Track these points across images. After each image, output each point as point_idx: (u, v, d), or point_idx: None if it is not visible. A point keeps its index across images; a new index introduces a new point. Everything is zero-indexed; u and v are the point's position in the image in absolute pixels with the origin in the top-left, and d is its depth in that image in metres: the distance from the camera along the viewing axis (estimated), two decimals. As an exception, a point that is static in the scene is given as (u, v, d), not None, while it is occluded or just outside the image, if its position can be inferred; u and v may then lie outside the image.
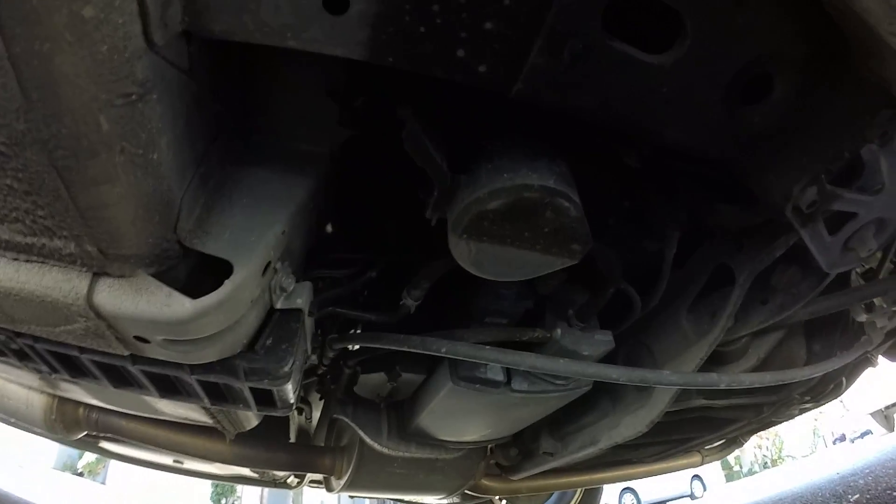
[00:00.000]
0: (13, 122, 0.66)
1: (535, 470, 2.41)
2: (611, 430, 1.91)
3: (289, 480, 3.42)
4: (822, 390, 2.17)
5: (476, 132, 1.08)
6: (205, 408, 1.54)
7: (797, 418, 2.56)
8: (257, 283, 1.01)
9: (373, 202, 1.49)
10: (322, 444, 2.57)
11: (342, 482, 2.41)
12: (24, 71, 0.61)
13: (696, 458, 3.05)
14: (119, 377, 1.21)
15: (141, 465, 2.93)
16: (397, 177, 1.18)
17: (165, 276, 0.90)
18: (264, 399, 1.25)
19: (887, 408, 11.21)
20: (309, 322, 1.30)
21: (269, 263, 1.02)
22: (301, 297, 1.20)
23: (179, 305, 0.88)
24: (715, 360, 1.70)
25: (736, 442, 2.99)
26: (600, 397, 1.96)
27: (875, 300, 1.66)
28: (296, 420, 2.83)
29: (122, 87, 0.66)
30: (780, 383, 1.52)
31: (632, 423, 1.82)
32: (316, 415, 2.75)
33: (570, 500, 4.10)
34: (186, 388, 1.22)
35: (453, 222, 1.02)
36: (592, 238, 1.05)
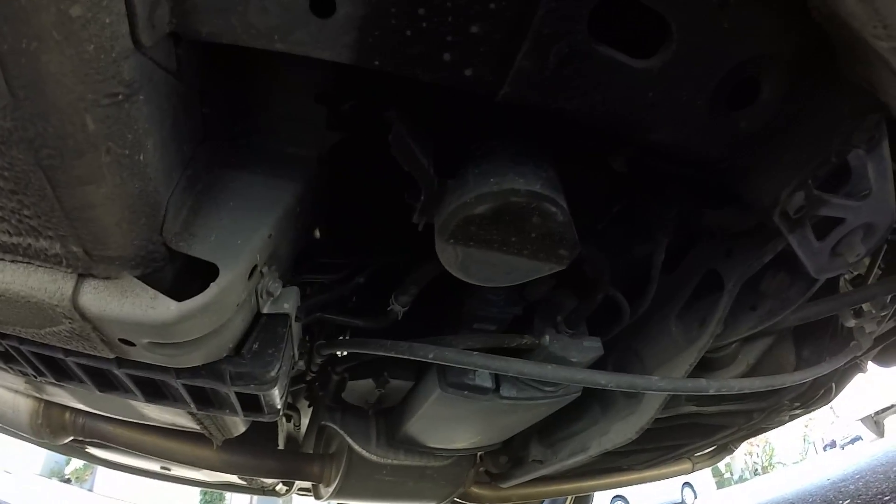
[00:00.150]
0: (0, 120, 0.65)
1: (525, 478, 2.41)
2: (601, 437, 1.91)
3: (277, 488, 3.41)
4: (812, 396, 2.18)
5: (463, 136, 1.08)
6: (191, 413, 1.53)
7: (787, 425, 2.57)
8: (243, 287, 1.01)
9: (361, 207, 1.49)
10: (311, 452, 2.56)
11: (331, 490, 2.40)
12: (11, 69, 0.61)
13: (687, 465, 3.05)
14: (104, 381, 1.20)
15: (128, 472, 2.92)
16: (385, 181, 1.18)
17: (151, 279, 0.89)
18: (251, 404, 1.24)
19: (877, 413, 11.23)
20: (296, 327, 1.29)
21: (255, 267, 1.02)
22: (288, 302, 1.20)
23: (164, 308, 0.88)
24: (704, 367, 1.71)
25: (726, 449, 3.00)
26: (590, 404, 1.96)
27: (864, 305, 1.67)
28: (284, 427, 2.82)
29: (109, 87, 0.66)
30: (770, 389, 1.53)
31: (622, 430, 1.82)
32: (305, 422, 2.74)
33: (561, 508, 4.09)
34: (172, 392, 1.21)
35: (440, 227, 1.01)
36: (580, 243, 1.05)
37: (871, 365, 2.26)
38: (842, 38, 0.77)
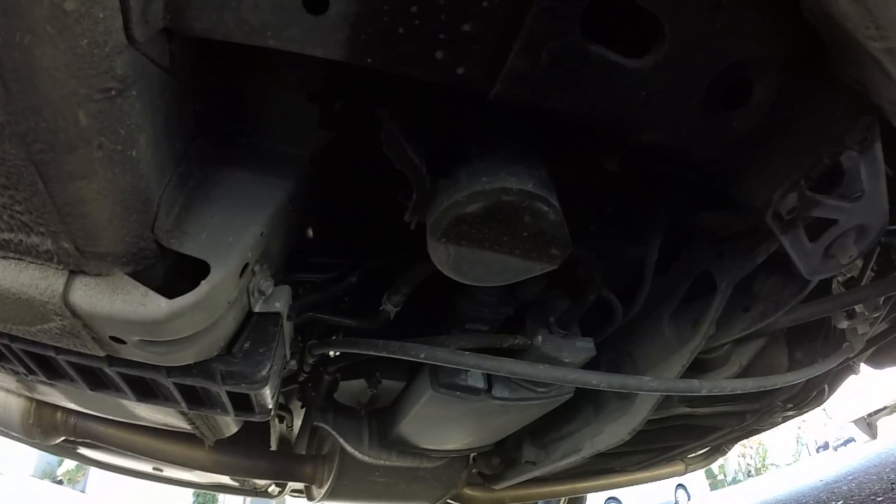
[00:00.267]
0: (-8, 114, 0.65)
1: (517, 479, 2.41)
2: (593, 439, 1.91)
3: (270, 489, 3.40)
4: (805, 398, 2.19)
5: (456, 136, 1.08)
6: (182, 412, 1.53)
7: (780, 426, 2.58)
8: (235, 285, 1.01)
9: (353, 206, 1.49)
10: (303, 453, 2.56)
11: (323, 491, 2.39)
12: (3, 62, 0.61)
13: (680, 466, 3.06)
14: (95, 380, 1.20)
15: (120, 473, 2.90)
16: (378, 181, 1.18)
17: (142, 276, 0.89)
18: (242, 404, 1.24)
19: (870, 415, 11.24)
20: (288, 327, 1.29)
21: (246, 265, 1.02)
22: (280, 301, 1.20)
23: (155, 305, 0.87)
24: (697, 368, 1.71)
25: (720, 450, 3.01)
26: (582, 405, 1.96)
27: (856, 307, 1.68)
28: (276, 428, 2.82)
29: (102, 82, 0.66)
30: (762, 390, 1.53)
31: (614, 431, 1.82)
32: (297, 423, 2.73)
33: (554, 510, 4.09)
34: (163, 391, 1.21)
35: (432, 226, 1.01)
36: (573, 244, 1.05)
37: (863, 367, 2.27)
38: (834, 39, 0.78)
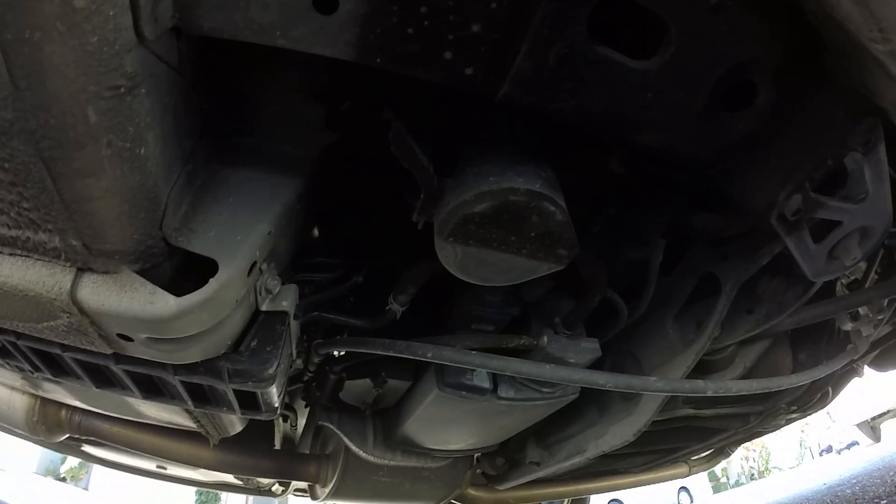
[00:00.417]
0: (1, 110, 0.65)
1: (521, 480, 2.41)
2: (597, 440, 1.91)
3: (273, 488, 3.41)
4: (809, 400, 2.18)
5: (463, 137, 1.08)
6: (188, 411, 1.53)
7: (784, 429, 2.57)
8: (242, 283, 1.01)
9: (360, 207, 1.49)
10: (307, 452, 2.56)
11: (327, 490, 2.40)
12: (13, 59, 0.61)
13: (684, 468, 3.05)
14: (102, 377, 1.20)
15: (124, 471, 2.91)
16: (384, 181, 1.18)
17: (150, 274, 0.89)
18: (248, 402, 1.24)
19: (874, 419, 11.22)
20: (294, 325, 1.29)
21: (254, 264, 1.02)
22: (287, 300, 1.20)
23: (163, 303, 0.87)
24: (701, 369, 1.71)
25: (723, 452, 3.00)
26: (587, 406, 1.96)
27: (860, 309, 1.67)
28: (281, 427, 2.82)
29: (111, 80, 0.66)
30: (767, 391, 1.53)
31: (619, 432, 1.82)
32: (301, 422, 2.73)
33: (557, 511, 4.09)
34: (170, 389, 1.21)
35: (439, 225, 1.02)
36: (578, 245, 1.05)
37: (867, 369, 2.26)
38: (838, 42, 0.78)
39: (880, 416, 11.10)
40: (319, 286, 1.51)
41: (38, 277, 0.86)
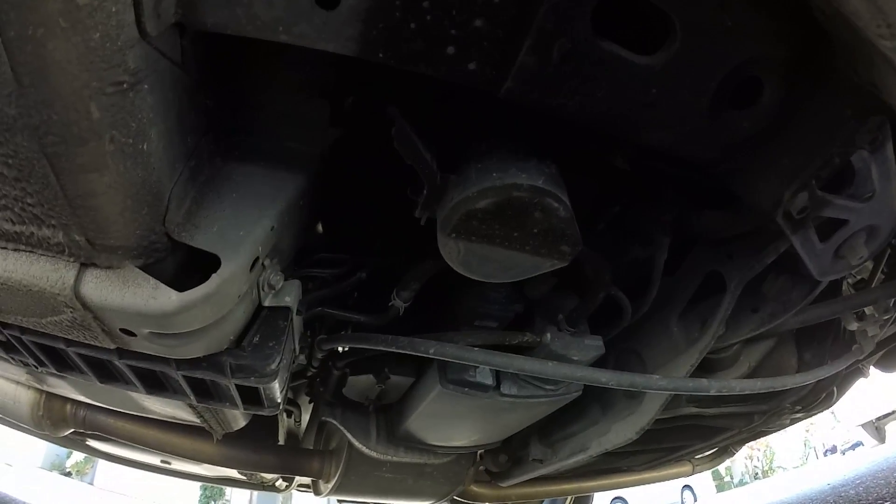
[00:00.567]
0: (4, 107, 0.65)
1: (524, 477, 2.40)
2: (601, 437, 1.91)
3: (277, 484, 3.41)
4: (813, 400, 2.17)
5: (466, 132, 1.08)
6: (191, 406, 1.53)
7: (788, 429, 2.56)
8: (245, 279, 1.01)
9: (363, 203, 1.49)
10: (311, 448, 2.57)
11: (330, 486, 2.40)
12: (16, 55, 0.61)
13: (687, 467, 3.05)
14: (105, 372, 1.20)
15: (128, 465, 2.92)
16: (387, 177, 1.18)
17: (153, 269, 0.89)
18: (251, 397, 1.24)
19: (878, 419, 11.21)
20: (297, 321, 1.29)
21: (257, 259, 1.02)
22: (289, 296, 1.20)
23: (166, 298, 0.88)
24: (706, 368, 1.71)
25: (727, 451, 2.99)
26: (590, 404, 1.96)
27: (866, 309, 1.66)
28: (284, 423, 2.83)
29: (114, 76, 0.66)
30: (771, 390, 1.52)
31: (622, 430, 1.82)
32: (305, 417, 2.74)
33: (560, 508, 4.09)
34: (173, 384, 1.22)
35: (442, 221, 1.01)
36: (582, 242, 1.05)
37: (873, 370, 2.25)
38: (845, 38, 0.77)
39: (885, 416, 11.08)
40: (323, 282, 1.51)
41: (42, 273, 0.86)
